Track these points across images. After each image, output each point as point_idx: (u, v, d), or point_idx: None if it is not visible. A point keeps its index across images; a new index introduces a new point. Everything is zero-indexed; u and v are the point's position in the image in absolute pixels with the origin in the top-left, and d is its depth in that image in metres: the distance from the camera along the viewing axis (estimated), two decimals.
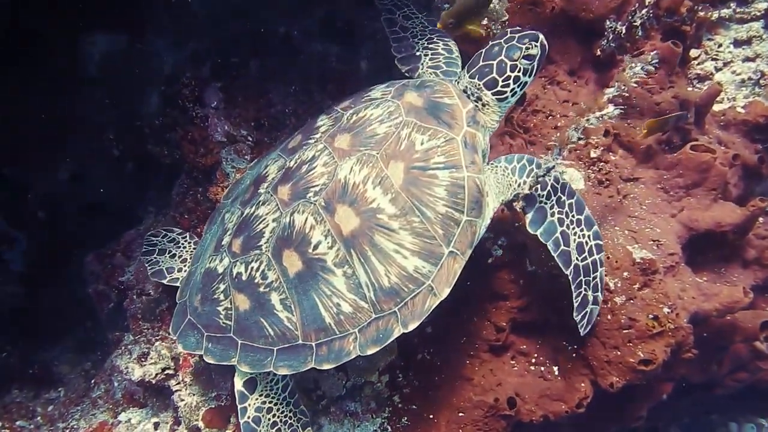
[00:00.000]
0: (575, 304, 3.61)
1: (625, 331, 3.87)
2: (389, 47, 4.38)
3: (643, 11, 4.13)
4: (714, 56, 5.41)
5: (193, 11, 4.69)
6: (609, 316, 3.91)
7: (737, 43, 5.47)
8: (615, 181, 4.44)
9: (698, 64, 5.36)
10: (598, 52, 4.51)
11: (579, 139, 3.56)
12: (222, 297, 3.65)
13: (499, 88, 3.62)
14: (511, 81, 3.61)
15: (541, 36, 3.60)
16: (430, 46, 4.26)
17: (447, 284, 3.38)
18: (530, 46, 3.55)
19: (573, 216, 3.59)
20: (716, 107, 5.17)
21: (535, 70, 3.65)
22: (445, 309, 3.56)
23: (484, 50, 3.71)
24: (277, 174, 3.69)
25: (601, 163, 4.45)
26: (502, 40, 3.63)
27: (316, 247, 3.40)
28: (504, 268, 4.15)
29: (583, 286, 3.59)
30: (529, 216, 3.59)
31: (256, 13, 4.78)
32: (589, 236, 3.61)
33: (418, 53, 4.26)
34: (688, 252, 4.43)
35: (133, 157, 5.01)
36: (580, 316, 3.63)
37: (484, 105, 3.67)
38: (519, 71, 3.59)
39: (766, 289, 4.95)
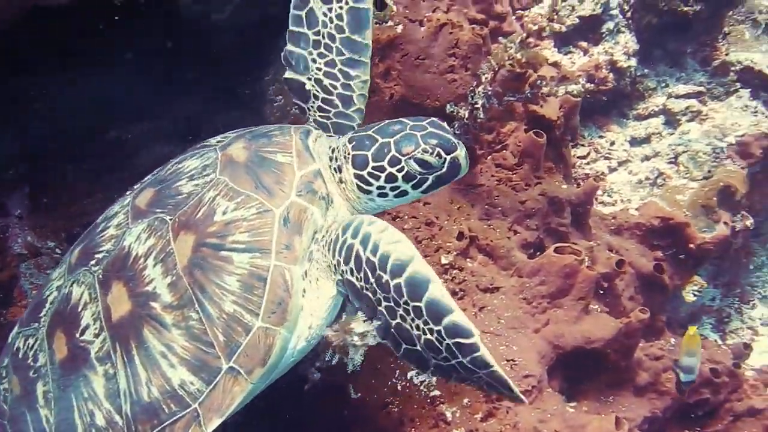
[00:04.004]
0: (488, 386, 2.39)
1: None
2: None
3: (480, 89, 3.55)
4: (606, 155, 4.88)
5: (14, 109, 4.20)
6: None
7: (634, 141, 4.96)
8: (471, 291, 3.78)
9: (587, 163, 4.82)
10: None
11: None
12: (3, 373, 2.87)
13: (365, 174, 2.67)
14: (382, 176, 2.64)
15: (460, 151, 2.58)
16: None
17: (218, 413, 2.47)
18: (429, 150, 2.55)
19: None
20: (607, 209, 4.59)
21: (426, 185, 2.64)
22: None
23: (392, 119, 2.75)
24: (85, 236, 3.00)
25: (455, 271, 3.81)
26: (411, 122, 2.67)
27: (83, 331, 2.60)
28: (324, 397, 3.40)
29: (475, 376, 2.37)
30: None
31: (85, 117, 4.29)
32: (440, 331, 2.33)
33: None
34: (561, 375, 3.72)
35: None
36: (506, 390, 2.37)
37: (342, 181, 2.80)
38: (398, 170, 2.62)
39: (673, 420, 4.17)
